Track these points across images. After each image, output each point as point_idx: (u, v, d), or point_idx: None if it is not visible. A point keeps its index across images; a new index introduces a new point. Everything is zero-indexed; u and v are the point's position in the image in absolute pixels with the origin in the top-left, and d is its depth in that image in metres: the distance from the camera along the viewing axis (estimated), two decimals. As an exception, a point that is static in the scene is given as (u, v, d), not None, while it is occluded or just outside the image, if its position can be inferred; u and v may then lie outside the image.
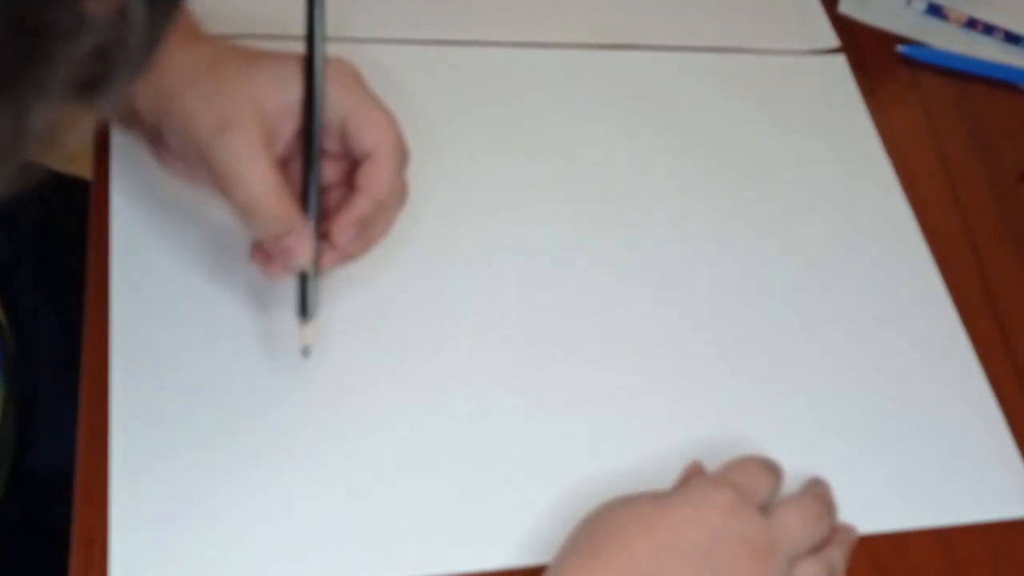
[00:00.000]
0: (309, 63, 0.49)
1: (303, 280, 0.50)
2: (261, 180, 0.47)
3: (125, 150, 0.58)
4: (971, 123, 0.74)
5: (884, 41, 0.77)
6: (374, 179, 0.50)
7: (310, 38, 0.49)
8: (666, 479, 0.53)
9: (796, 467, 0.53)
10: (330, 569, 0.49)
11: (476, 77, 0.67)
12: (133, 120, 0.52)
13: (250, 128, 0.47)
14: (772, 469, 0.50)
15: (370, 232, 0.51)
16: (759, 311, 0.61)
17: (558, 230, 0.62)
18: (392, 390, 0.54)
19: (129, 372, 0.52)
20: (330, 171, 0.52)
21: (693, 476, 0.51)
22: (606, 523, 0.46)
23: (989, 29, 0.78)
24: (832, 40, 0.75)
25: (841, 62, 0.74)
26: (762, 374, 0.59)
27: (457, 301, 0.58)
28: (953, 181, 0.70)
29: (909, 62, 0.76)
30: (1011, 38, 0.78)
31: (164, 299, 0.54)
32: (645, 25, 0.73)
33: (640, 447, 0.55)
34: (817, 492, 0.50)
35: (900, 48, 0.76)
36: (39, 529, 0.65)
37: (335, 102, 0.49)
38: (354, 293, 0.57)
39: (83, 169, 0.66)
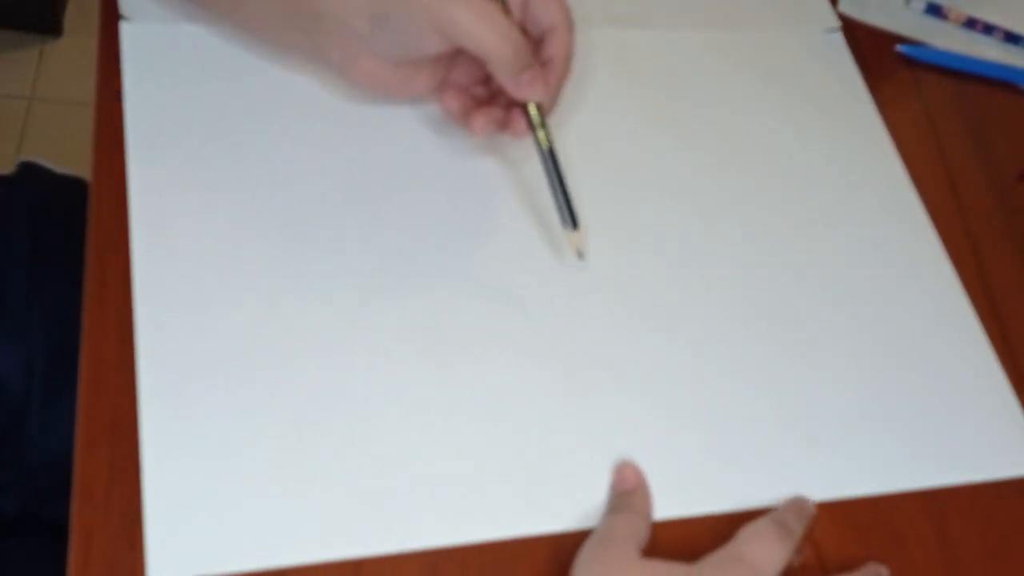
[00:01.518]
0: None
1: (563, 195, 0.57)
2: (509, 24, 0.54)
3: (141, 141, 0.59)
4: (971, 123, 0.74)
5: (884, 41, 0.77)
6: (563, 50, 0.58)
7: None
8: (681, 451, 0.55)
9: (809, 439, 0.57)
10: (354, 539, 0.49)
11: None
12: (329, 42, 0.58)
13: None
14: (786, 537, 0.50)
15: (559, 92, 0.59)
16: (764, 282, 0.62)
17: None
18: (424, 366, 0.55)
19: (156, 354, 0.52)
20: None
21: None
22: None
23: (989, 29, 0.78)
24: (832, 20, 0.76)
25: (839, 40, 0.76)
26: (765, 341, 0.60)
27: (475, 276, 0.59)
28: (953, 180, 0.70)
29: (909, 62, 0.76)
30: (1011, 38, 0.78)
31: (188, 282, 0.55)
32: (651, 5, 0.74)
33: (655, 416, 0.56)
34: None
35: (900, 48, 0.76)
36: (38, 525, 0.65)
37: None
38: (387, 271, 0.58)
39: (81, 169, 0.66)
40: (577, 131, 0.66)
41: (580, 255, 0.59)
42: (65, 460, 0.50)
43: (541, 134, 0.57)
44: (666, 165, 0.66)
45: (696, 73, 0.71)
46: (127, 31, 0.62)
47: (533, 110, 0.57)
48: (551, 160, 0.57)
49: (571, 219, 0.57)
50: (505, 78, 0.55)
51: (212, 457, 0.50)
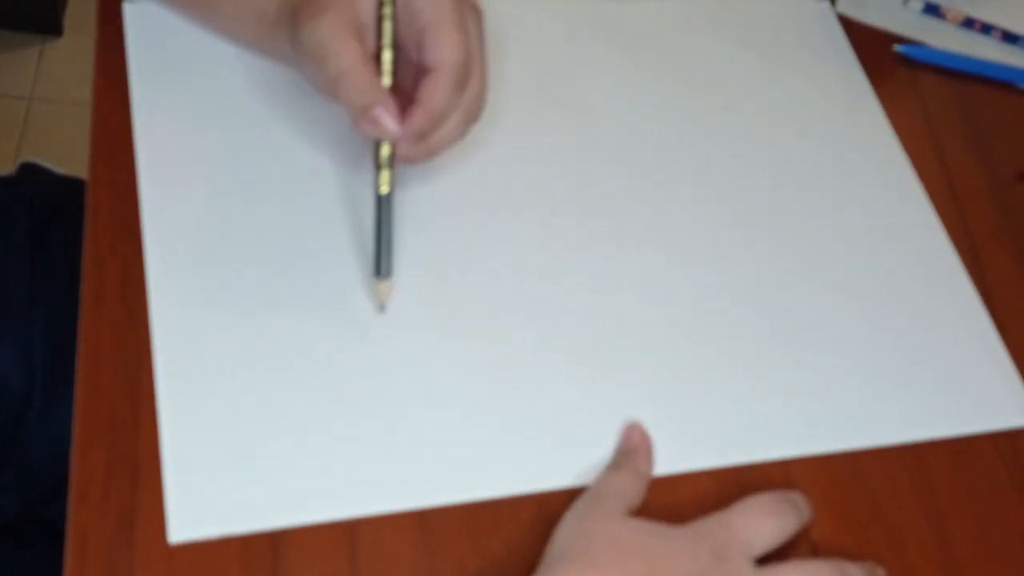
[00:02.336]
0: None
1: (378, 242, 0.54)
2: (349, 54, 0.52)
3: (148, 121, 0.60)
4: (969, 122, 0.74)
5: (882, 40, 0.77)
6: (431, 94, 0.53)
7: None
8: (673, 411, 0.57)
9: (810, 393, 0.58)
10: (350, 500, 0.50)
11: None
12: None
13: (339, 12, 0.52)
14: (780, 511, 0.51)
15: (430, 142, 0.55)
16: (759, 247, 0.64)
17: (560, 172, 0.64)
18: (422, 329, 0.56)
19: (169, 325, 0.53)
20: (406, 77, 0.55)
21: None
22: (606, 538, 0.48)
23: (987, 28, 0.78)
24: None
25: (826, 8, 0.77)
26: (759, 303, 0.61)
27: (478, 239, 0.60)
28: (951, 180, 0.70)
29: (907, 61, 0.76)
30: (1009, 37, 0.78)
31: (196, 253, 0.56)
32: None
33: (646, 376, 0.57)
34: (837, 562, 0.51)
35: (898, 47, 0.76)
36: (38, 526, 0.65)
37: (416, 12, 0.53)
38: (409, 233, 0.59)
39: (81, 169, 0.66)
40: (566, 100, 0.67)
41: (381, 308, 0.56)
42: (65, 460, 0.50)
43: (382, 175, 0.54)
44: (661, 132, 0.68)
45: (684, 43, 0.73)
46: (130, 12, 0.64)
47: (384, 149, 0.54)
48: (386, 207, 0.54)
49: (385, 268, 0.55)
50: (350, 107, 0.53)
51: (226, 420, 0.51)
